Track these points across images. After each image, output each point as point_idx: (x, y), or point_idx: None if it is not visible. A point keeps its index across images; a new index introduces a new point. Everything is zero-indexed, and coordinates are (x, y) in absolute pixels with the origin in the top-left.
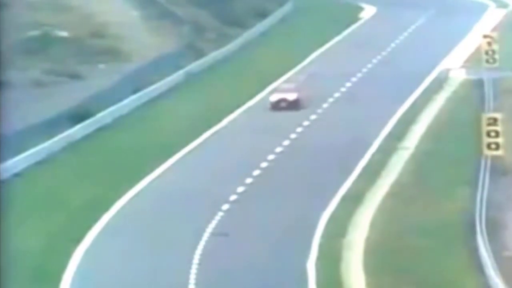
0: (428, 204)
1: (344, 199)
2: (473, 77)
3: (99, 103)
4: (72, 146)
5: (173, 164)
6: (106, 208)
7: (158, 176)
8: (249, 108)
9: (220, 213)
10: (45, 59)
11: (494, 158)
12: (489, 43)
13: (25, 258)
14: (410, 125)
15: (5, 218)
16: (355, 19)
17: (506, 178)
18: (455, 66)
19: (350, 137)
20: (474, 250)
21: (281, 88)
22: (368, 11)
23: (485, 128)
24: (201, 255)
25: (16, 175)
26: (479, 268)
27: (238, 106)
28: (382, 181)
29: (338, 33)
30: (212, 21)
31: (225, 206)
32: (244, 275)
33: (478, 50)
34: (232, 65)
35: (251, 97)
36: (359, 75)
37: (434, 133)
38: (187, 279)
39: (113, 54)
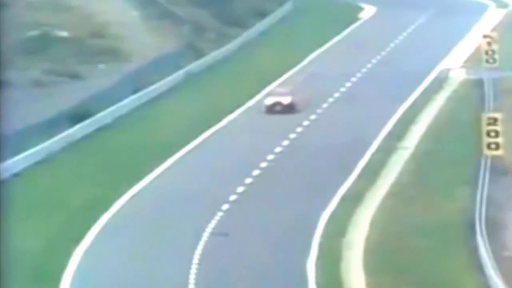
0: (428, 204)
1: (344, 199)
2: (473, 77)
3: (99, 103)
4: (72, 146)
5: (173, 164)
6: (106, 208)
7: (158, 176)
8: (249, 108)
9: (220, 213)
10: (45, 59)
11: (494, 158)
12: (489, 43)
13: (25, 258)
14: (410, 125)
15: (5, 218)
16: (355, 19)
17: (506, 178)
18: (455, 66)
19: (350, 137)
20: (474, 250)
21: (276, 92)
22: (367, 11)
23: (485, 128)
24: (201, 255)
25: (16, 175)
26: (479, 268)
27: (238, 106)
28: (382, 181)
29: (337, 33)
30: (212, 21)
31: (225, 206)
32: (244, 275)
33: (478, 50)
34: (232, 65)
35: (251, 97)
36: (358, 75)
37: (434, 133)
38: (187, 279)
39: (113, 54)
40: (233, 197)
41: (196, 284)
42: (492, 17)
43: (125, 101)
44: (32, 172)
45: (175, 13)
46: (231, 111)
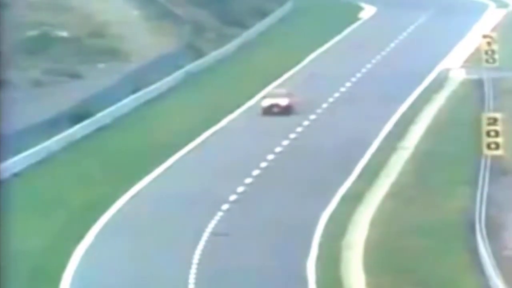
0: (428, 204)
1: (344, 199)
2: (473, 77)
3: (99, 103)
4: (72, 146)
5: (173, 164)
6: (106, 208)
7: (158, 176)
8: (249, 108)
9: (220, 213)
10: (45, 59)
11: (494, 157)
12: (489, 43)
13: (25, 258)
14: (410, 125)
15: (5, 218)
16: (355, 19)
17: (506, 178)
18: (455, 66)
19: (349, 137)
20: (474, 250)
21: (273, 93)
22: (368, 11)
23: (485, 128)
24: (201, 254)
25: (16, 175)
26: (479, 268)
27: (238, 106)
28: (382, 181)
29: (338, 33)
30: (212, 21)
31: (225, 206)
32: (244, 275)
33: (478, 50)
34: (231, 65)
35: (251, 97)
36: (358, 75)
37: (434, 133)
38: (187, 278)
39: (113, 54)
40: (233, 197)
41: (196, 284)
42: (492, 17)
43: (125, 101)
44: (32, 172)
45: (175, 13)
46: (231, 111)
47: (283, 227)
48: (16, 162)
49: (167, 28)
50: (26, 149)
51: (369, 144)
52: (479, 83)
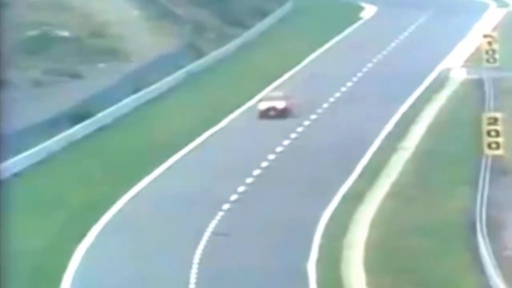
0: (429, 204)
1: (344, 198)
2: (473, 76)
3: (99, 103)
4: (72, 146)
5: (174, 164)
6: (106, 208)
7: (159, 176)
8: (249, 108)
9: (221, 213)
10: (45, 59)
11: (494, 157)
12: (489, 43)
13: (25, 258)
14: (411, 124)
15: (5, 218)
16: (356, 18)
17: (507, 178)
18: (455, 65)
19: (350, 137)
20: (475, 250)
21: (270, 96)
22: (368, 11)
23: (485, 128)
24: (202, 254)
25: (16, 175)
26: (480, 267)
27: (238, 106)
28: (383, 181)
29: (338, 32)
30: (212, 20)
31: (226, 206)
32: (245, 275)
33: (478, 49)
34: (232, 65)
35: (251, 96)
36: (359, 74)
37: (434, 133)
38: (188, 278)
39: (113, 53)
40: (234, 197)
41: (196, 283)
42: (492, 17)
43: (126, 101)
44: (32, 172)
45: (175, 13)
46: (231, 111)
47: (284, 226)
48: (16, 162)
49: (168, 28)
50: (26, 149)
51: (370, 144)
52: (480, 83)
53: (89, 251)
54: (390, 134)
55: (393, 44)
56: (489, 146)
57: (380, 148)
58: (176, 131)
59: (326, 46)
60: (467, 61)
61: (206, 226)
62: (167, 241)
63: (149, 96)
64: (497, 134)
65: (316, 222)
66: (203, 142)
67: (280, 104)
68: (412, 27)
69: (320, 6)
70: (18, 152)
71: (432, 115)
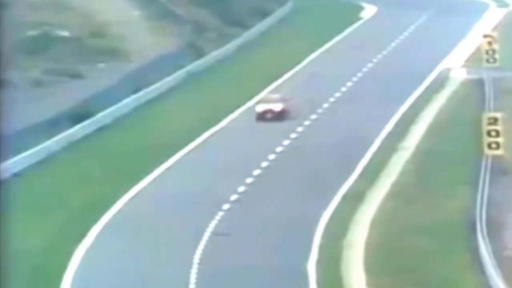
0: (429, 204)
1: (345, 198)
2: (473, 76)
3: (100, 103)
4: (72, 146)
5: (174, 164)
6: (106, 208)
7: (159, 176)
8: (249, 108)
9: (221, 213)
10: (45, 59)
11: (494, 157)
12: (489, 43)
13: (25, 258)
14: (411, 124)
15: (5, 218)
16: (356, 18)
17: (507, 178)
18: (455, 65)
19: (350, 137)
20: (475, 250)
21: (267, 99)
22: (368, 11)
23: (485, 128)
24: (202, 254)
25: (16, 175)
26: (480, 267)
27: (239, 106)
28: (383, 181)
29: (338, 32)
30: (213, 20)
31: (226, 206)
32: (245, 275)
33: (478, 49)
34: (232, 64)
35: (251, 96)
36: (359, 74)
37: (434, 133)
38: (188, 278)
39: (113, 53)
40: (234, 197)
41: (197, 283)
42: (492, 17)
43: (126, 101)
44: (32, 172)
45: (175, 13)
46: (232, 111)
47: (284, 226)
48: (16, 162)
49: (168, 28)
50: (26, 149)
51: (370, 144)
52: (480, 83)
53: (89, 251)
54: (390, 134)
55: (393, 44)
56: (489, 146)
57: (380, 148)
58: (176, 131)
59: (326, 46)
60: (467, 61)
61: (206, 226)
62: (167, 241)
63: (149, 96)
64: (497, 134)
65: (316, 222)
66: (203, 142)
67: (277, 107)
68: (412, 27)
69: (320, 6)
70: (18, 152)
71: (432, 115)
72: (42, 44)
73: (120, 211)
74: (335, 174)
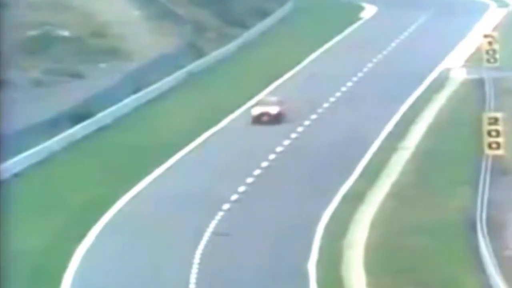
0: (429, 204)
1: (345, 198)
2: (474, 76)
3: (100, 102)
4: (73, 146)
5: (174, 164)
6: (106, 208)
7: (159, 176)
8: (250, 108)
9: (221, 213)
10: (46, 59)
11: (495, 157)
12: (490, 43)
13: (25, 258)
14: (411, 124)
15: (5, 218)
16: (356, 18)
17: (507, 178)
18: (456, 65)
19: (350, 137)
20: (475, 250)
21: (264, 101)
22: (368, 11)
23: (486, 128)
24: (202, 254)
25: (17, 175)
26: (480, 267)
27: (239, 106)
28: (383, 181)
29: (338, 32)
30: (213, 20)
31: (226, 206)
32: (245, 275)
33: (479, 49)
34: (232, 64)
35: (251, 96)
36: (360, 74)
37: (435, 133)
38: (188, 278)
39: (114, 53)
40: (234, 197)
41: (197, 283)
42: (493, 17)
43: (126, 101)
44: (32, 172)
45: (176, 13)
46: (232, 111)
47: (284, 226)
48: (17, 162)
49: (168, 28)
50: (26, 149)
51: (370, 144)
52: (480, 83)
53: (89, 251)
54: (390, 134)
55: (393, 44)
56: (490, 146)
57: (380, 148)
58: (177, 131)
59: (327, 46)
60: (467, 61)
61: (207, 226)
62: (167, 241)
63: (149, 96)
64: (498, 134)
65: (316, 222)
66: (204, 142)
67: (274, 110)
68: (413, 27)
69: (320, 6)
70: (19, 152)
71: (432, 115)
72: (43, 44)
73: (120, 211)
74: (335, 174)
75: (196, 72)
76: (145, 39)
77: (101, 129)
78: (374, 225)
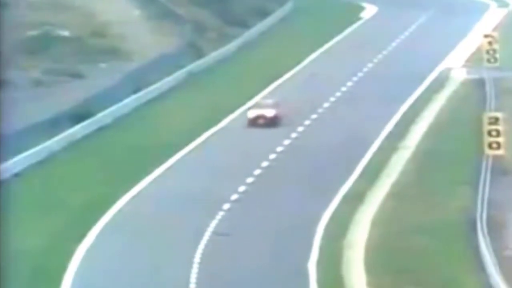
0: (429, 203)
1: (345, 198)
2: (474, 76)
3: (100, 102)
4: (73, 146)
5: (174, 164)
6: (107, 208)
7: (159, 176)
8: (250, 108)
9: (221, 213)
10: (46, 59)
11: (495, 157)
12: (490, 43)
13: (25, 258)
14: (411, 124)
15: (5, 218)
16: (356, 18)
17: (507, 177)
18: (456, 65)
19: (350, 137)
20: (475, 249)
21: (260, 104)
22: (369, 11)
23: (486, 127)
24: (202, 254)
25: (17, 175)
26: (480, 267)
27: (239, 106)
28: (383, 181)
29: (339, 32)
30: (213, 20)
31: (226, 206)
32: (245, 274)
33: (479, 49)
34: (232, 64)
35: (251, 96)
36: (360, 74)
37: (435, 133)
38: (188, 278)
39: (114, 53)
40: (234, 196)
41: (197, 283)
42: (493, 17)
43: (126, 101)
44: (32, 172)
45: (176, 13)
46: (232, 111)
47: (285, 226)
48: (17, 162)
49: (168, 28)
50: (26, 149)
51: (370, 144)
52: (480, 83)
53: (89, 251)
54: (390, 134)
55: (393, 44)
56: (490, 146)
57: (380, 148)
58: (177, 130)
59: (327, 46)
60: (467, 61)
61: (207, 226)
62: (167, 241)
63: (149, 96)
64: (498, 134)
65: (316, 222)
66: (204, 142)
67: (270, 112)
68: (413, 27)
69: (320, 6)
70: (19, 152)
71: (432, 115)
72: (43, 44)
73: (120, 211)
74: (336, 174)
75: (196, 72)
76: (145, 39)
77: (101, 129)
78: (374, 225)
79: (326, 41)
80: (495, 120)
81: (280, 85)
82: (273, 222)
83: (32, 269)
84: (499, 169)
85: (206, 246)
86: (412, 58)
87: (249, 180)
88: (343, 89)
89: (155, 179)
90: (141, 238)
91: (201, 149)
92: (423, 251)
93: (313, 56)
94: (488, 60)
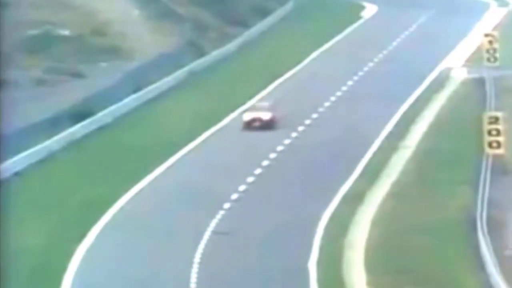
0: (429, 203)
1: (345, 198)
2: (474, 76)
3: (101, 101)
4: (73, 145)
5: (175, 163)
6: (107, 207)
7: (160, 175)
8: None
9: (222, 212)
10: (46, 58)
11: (495, 156)
12: (490, 42)
13: (25, 258)
14: (411, 124)
15: (5, 217)
16: (357, 17)
17: (507, 177)
18: (456, 65)
19: (351, 136)
20: (475, 249)
21: (256, 107)
22: (369, 10)
23: (486, 127)
24: (202, 253)
25: (17, 174)
26: (480, 266)
27: (239, 105)
28: (383, 180)
29: (339, 32)
30: (214, 20)
31: (227, 205)
32: (245, 274)
33: (479, 49)
34: (233, 64)
35: (252, 96)
36: (360, 74)
37: (435, 132)
38: (188, 277)
39: (114, 52)
40: (235, 196)
41: (197, 282)
42: (493, 16)
43: (127, 100)
44: (33, 171)
45: (176, 12)
46: (232, 110)
47: (285, 226)
48: (17, 161)
49: (169, 27)
50: (26, 148)
51: (370, 143)
52: (481, 82)
53: (89, 250)
54: (390, 134)
55: (394, 44)
56: (490, 145)
57: (380, 148)
58: (177, 130)
59: (327, 45)
60: (468, 60)
61: (207, 225)
62: (167, 240)
63: (149, 95)
64: (498, 133)
65: (316, 222)
66: (204, 141)
67: (266, 115)
68: (413, 26)
69: (321, 5)
70: (19, 151)
71: (433, 115)
72: (43, 43)
73: (120, 210)
74: (336, 173)
75: (197, 71)
76: (145, 38)
77: (101, 128)
78: (374, 225)
79: (327, 41)
80: (495, 120)
81: (280, 84)
82: (273, 222)
83: (32, 269)
84: (499, 168)
85: (207, 245)
86: (412, 58)
87: (250, 179)
88: (344, 88)
89: (155, 178)
90: (141, 238)
91: (202, 148)
92: (423, 251)
93: (313, 55)
94: (488, 60)
